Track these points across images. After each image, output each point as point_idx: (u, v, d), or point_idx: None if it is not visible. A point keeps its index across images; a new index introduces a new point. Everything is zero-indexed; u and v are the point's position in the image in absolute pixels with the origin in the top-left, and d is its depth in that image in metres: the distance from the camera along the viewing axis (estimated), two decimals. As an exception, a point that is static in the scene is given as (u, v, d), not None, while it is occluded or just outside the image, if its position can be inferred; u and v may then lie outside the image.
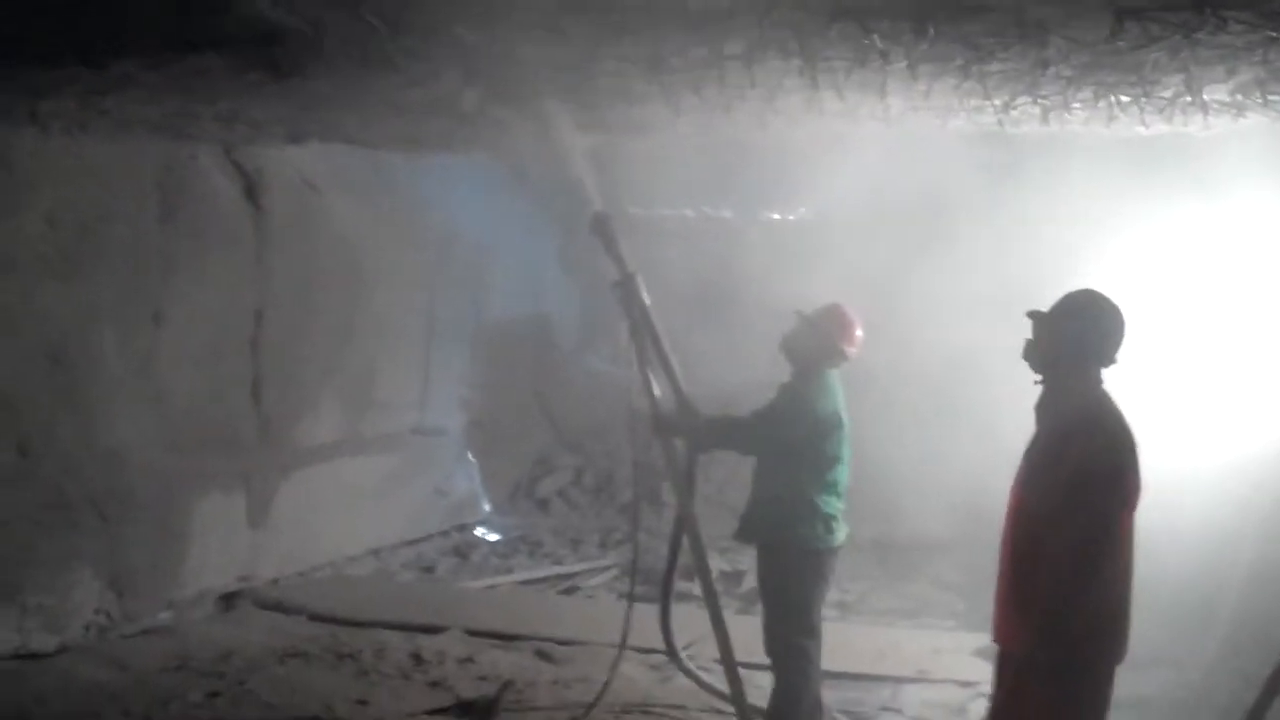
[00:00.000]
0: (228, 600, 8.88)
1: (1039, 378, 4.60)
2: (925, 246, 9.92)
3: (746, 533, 6.30)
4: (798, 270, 10.40)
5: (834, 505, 6.10)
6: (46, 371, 7.49)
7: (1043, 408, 4.59)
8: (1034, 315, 4.62)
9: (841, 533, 6.16)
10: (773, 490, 6.13)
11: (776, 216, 13.07)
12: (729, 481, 9.92)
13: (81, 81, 5.57)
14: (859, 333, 6.25)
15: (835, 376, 6.27)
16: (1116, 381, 4.60)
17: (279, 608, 8.77)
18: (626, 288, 6.19)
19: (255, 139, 7.85)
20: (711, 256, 12.69)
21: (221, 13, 4.38)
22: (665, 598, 6.67)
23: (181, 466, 8.38)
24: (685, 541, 6.32)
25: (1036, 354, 4.61)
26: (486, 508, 11.87)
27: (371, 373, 10.30)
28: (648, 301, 6.20)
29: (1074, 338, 4.53)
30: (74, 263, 7.62)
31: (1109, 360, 4.54)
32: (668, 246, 12.28)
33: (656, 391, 6.26)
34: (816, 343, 6.22)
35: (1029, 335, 4.63)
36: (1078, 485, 4.30)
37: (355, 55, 4.92)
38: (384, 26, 4.51)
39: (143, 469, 8.07)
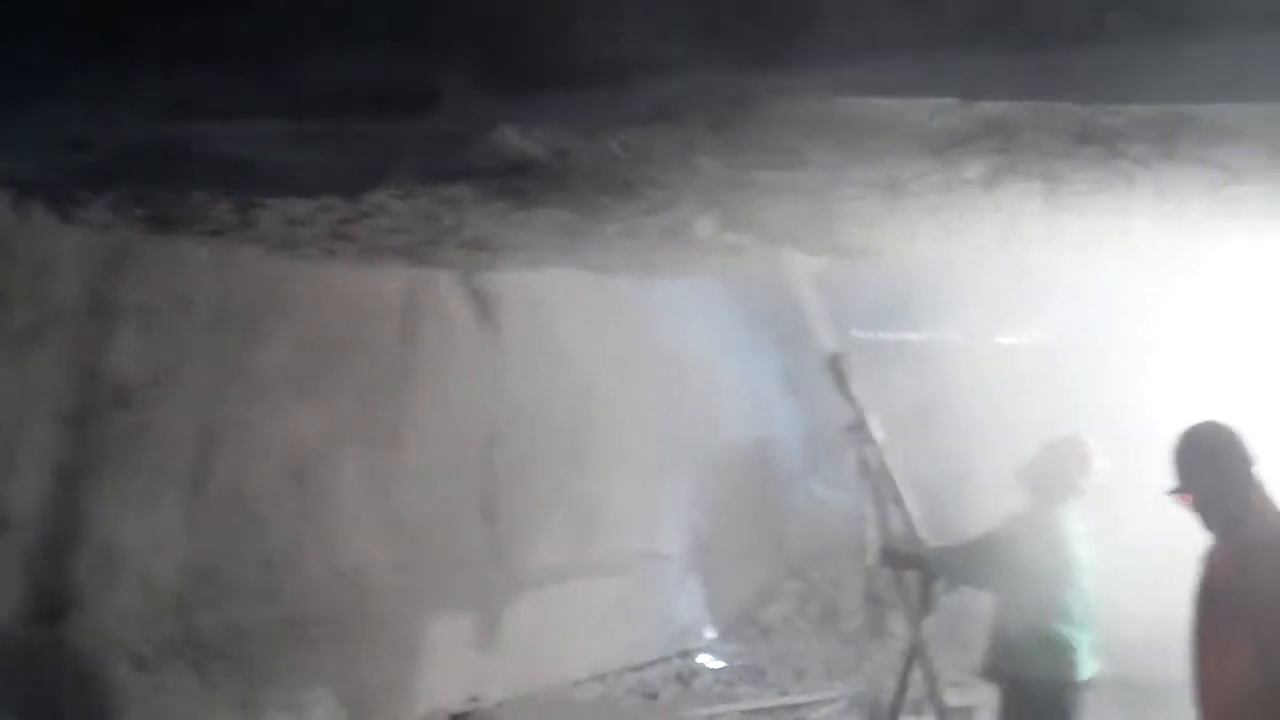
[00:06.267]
0: (457, 720, 9.00)
1: None
2: (1171, 374, 9.63)
3: (990, 667, 6.17)
4: (1031, 397, 10.22)
5: (1076, 635, 5.94)
6: (292, 490, 7.77)
7: None
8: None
9: (1089, 666, 5.98)
10: (1011, 622, 6.02)
11: (1007, 340, 12.85)
12: (961, 614, 9.71)
13: (335, 211, 5.86)
14: (1099, 463, 6.13)
15: (1073, 506, 6.14)
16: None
17: (506, 730, 8.82)
18: (859, 428, 6.30)
19: (494, 264, 8.10)
20: (939, 382, 12.54)
21: (473, 145, 4.57)
22: None
23: (415, 585, 8.56)
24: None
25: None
26: (710, 634, 11.80)
27: (601, 495, 10.40)
28: (880, 439, 6.27)
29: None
30: (319, 385, 7.93)
31: None
32: (894, 371, 12.19)
33: (890, 526, 6.31)
34: (1053, 472, 6.12)
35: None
36: None
37: (598, 183, 5.09)
38: (626, 155, 4.65)
39: (379, 587, 8.28)
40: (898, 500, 6.44)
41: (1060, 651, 5.91)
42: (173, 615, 7.16)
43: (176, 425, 7.09)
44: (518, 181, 5.11)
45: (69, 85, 4.04)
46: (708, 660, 11.43)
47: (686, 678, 10.90)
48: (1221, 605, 4.38)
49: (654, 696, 10.38)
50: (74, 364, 6.49)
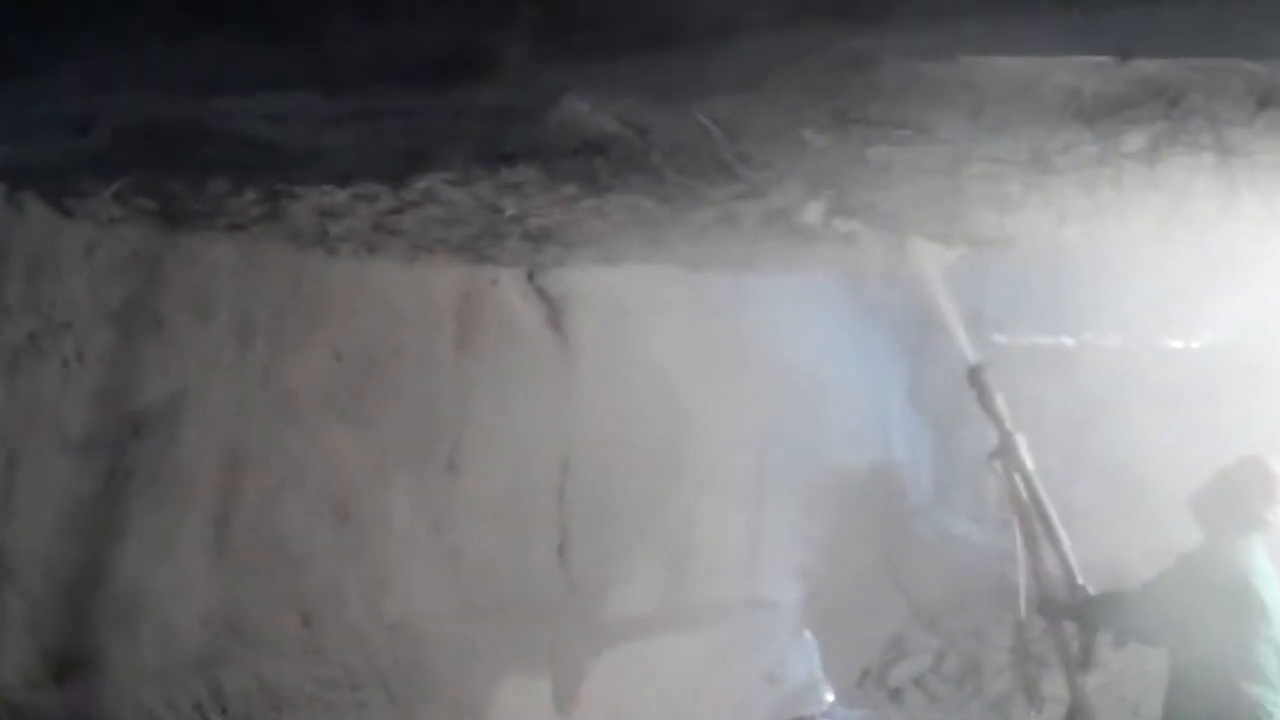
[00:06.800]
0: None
1: None
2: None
3: None
4: (1204, 411, 10.08)
5: (1270, 697, 5.83)
6: (333, 527, 7.79)
7: None
8: None
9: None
10: (1191, 683, 5.93)
11: (1175, 344, 12.69)
12: (1128, 670, 9.60)
13: (378, 200, 5.87)
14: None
15: (1258, 542, 6.04)
16: None
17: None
18: (1006, 452, 6.24)
19: (564, 260, 8.10)
20: (1096, 394, 12.40)
21: (536, 121, 4.56)
22: None
23: (479, 638, 8.56)
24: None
25: None
26: (829, 698, 11.70)
27: (692, 529, 10.34)
28: (1031, 466, 6.20)
29: None
30: (362, 402, 7.94)
31: None
32: (1042, 382, 12.07)
33: (1044, 568, 6.25)
34: (1233, 502, 6.03)
35: None
36: None
37: (685, 164, 5.06)
38: (719, 131, 4.63)
39: (435, 640, 8.28)
40: (1053, 538, 6.37)
41: (1244, 712, 5.80)
42: (197, 673, 7.20)
43: (198, 452, 7.12)
44: (590, 162, 5.09)
45: (68, 56, 4.07)
46: (827, 729, 11.37)
47: (803, 749, 10.87)
48: None
49: (765, 771, 10.35)
50: (81, 382, 6.52)
